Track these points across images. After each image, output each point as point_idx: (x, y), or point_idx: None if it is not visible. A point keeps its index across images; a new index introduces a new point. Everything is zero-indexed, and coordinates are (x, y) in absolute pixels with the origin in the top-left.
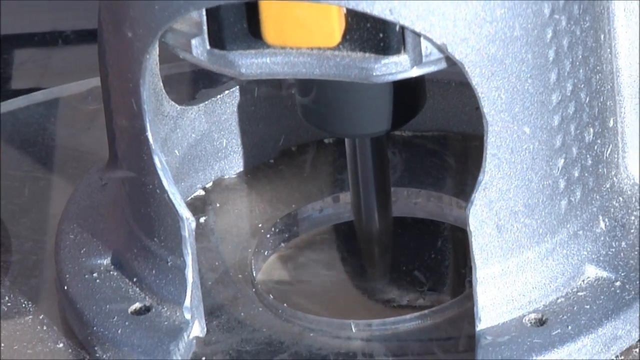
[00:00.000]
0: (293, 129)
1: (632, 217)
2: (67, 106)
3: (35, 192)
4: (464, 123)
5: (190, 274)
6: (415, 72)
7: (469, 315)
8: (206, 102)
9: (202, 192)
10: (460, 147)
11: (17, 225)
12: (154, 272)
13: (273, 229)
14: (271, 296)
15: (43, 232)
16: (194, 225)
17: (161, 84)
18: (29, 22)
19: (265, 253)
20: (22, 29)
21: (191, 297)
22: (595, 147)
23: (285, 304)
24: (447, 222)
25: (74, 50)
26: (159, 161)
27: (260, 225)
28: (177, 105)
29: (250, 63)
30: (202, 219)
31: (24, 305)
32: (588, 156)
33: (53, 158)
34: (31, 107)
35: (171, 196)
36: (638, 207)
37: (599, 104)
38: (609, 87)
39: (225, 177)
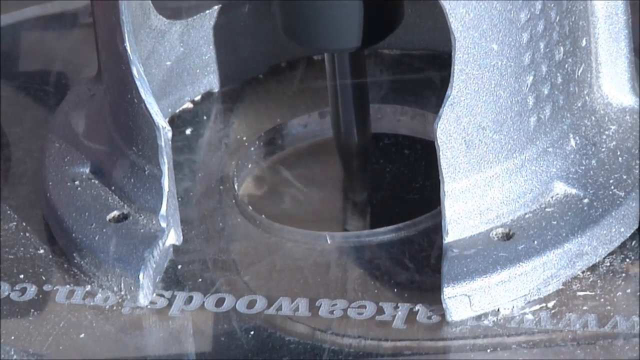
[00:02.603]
0: (282, 46)
1: (604, 136)
2: (65, 20)
3: (31, 102)
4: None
5: (166, 182)
6: None
7: (440, 229)
8: (194, 17)
9: (190, 105)
10: (447, 67)
11: (11, 135)
12: (132, 180)
13: (257, 142)
14: (250, 208)
15: (34, 141)
16: (170, 134)
17: None
18: None
19: (249, 166)
20: None
21: (167, 205)
22: (566, 66)
23: (264, 216)
24: (430, 139)
25: None
26: (137, 71)
27: (244, 138)
28: (164, 19)
29: None
30: (188, 131)
31: (9, 212)
32: (558, 74)
33: (49, 70)
34: (30, 21)
35: (148, 106)
36: (610, 127)
37: (570, 23)
38: (582, 7)
39: (213, 91)
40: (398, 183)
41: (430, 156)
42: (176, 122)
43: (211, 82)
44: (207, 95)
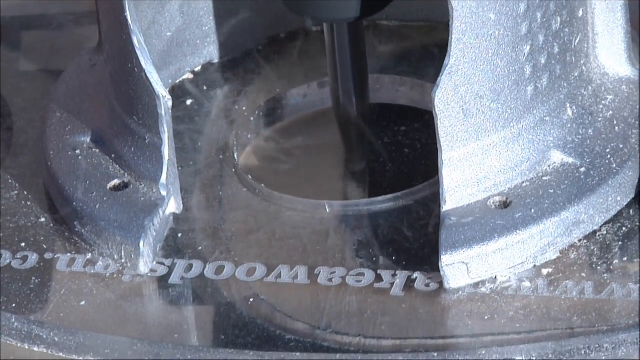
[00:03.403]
0: (282, 17)
1: (601, 106)
2: None
3: (33, 71)
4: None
5: (166, 151)
6: None
7: (439, 197)
8: None
9: (190, 76)
10: (446, 38)
11: (12, 105)
12: (132, 149)
13: (257, 112)
14: (250, 177)
15: (36, 111)
16: (170, 103)
17: None
18: None
19: (249, 136)
20: None
21: (167, 174)
22: (563, 36)
23: (263, 185)
24: (429, 109)
25: None
26: (137, 41)
27: (244, 108)
28: None
29: None
30: (188, 102)
31: (10, 181)
32: (555, 44)
33: (53, 40)
34: None
35: (148, 75)
36: (607, 96)
37: None
38: None
39: (213, 61)
40: (397, 152)
41: (428, 126)
42: (176, 92)
43: (211, 52)
44: (207, 66)
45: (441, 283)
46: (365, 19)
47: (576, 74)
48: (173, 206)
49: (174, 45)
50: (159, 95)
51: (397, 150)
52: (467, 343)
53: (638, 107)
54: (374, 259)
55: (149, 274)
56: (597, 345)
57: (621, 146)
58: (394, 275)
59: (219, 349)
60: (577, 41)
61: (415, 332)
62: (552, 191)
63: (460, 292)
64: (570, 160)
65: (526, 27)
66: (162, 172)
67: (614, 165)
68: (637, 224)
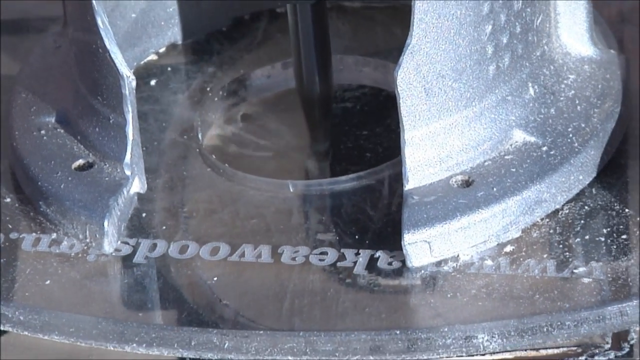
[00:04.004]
0: None
1: (562, 85)
2: None
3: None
4: None
5: (130, 131)
6: None
7: (401, 177)
8: None
9: (154, 57)
10: (408, 19)
11: None
12: (97, 129)
13: (221, 93)
14: (214, 157)
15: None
16: (134, 83)
17: None
18: None
19: (213, 116)
20: None
21: (131, 153)
22: (525, 15)
23: (227, 165)
24: (392, 90)
25: None
26: (102, 21)
27: (208, 89)
28: None
29: None
30: (152, 82)
31: None
32: (517, 24)
33: (20, 23)
34: None
35: (112, 55)
36: (569, 76)
37: None
38: None
39: (177, 43)
40: (359, 132)
41: (391, 105)
42: (141, 73)
43: (175, 34)
44: (172, 48)
45: (404, 262)
46: (328, 0)
47: (538, 54)
48: (137, 186)
49: (138, 26)
50: (123, 75)
51: (360, 130)
52: (430, 321)
53: (600, 86)
54: (337, 237)
55: (114, 253)
56: (559, 323)
57: (583, 125)
58: (357, 254)
59: (182, 327)
60: (538, 21)
61: (378, 310)
62: (514, 170)
63: (423, 271)
64: (532, 139)
65: (488, 6)
66: (126, 151)
67: (576, 144)
68: (599, 202)
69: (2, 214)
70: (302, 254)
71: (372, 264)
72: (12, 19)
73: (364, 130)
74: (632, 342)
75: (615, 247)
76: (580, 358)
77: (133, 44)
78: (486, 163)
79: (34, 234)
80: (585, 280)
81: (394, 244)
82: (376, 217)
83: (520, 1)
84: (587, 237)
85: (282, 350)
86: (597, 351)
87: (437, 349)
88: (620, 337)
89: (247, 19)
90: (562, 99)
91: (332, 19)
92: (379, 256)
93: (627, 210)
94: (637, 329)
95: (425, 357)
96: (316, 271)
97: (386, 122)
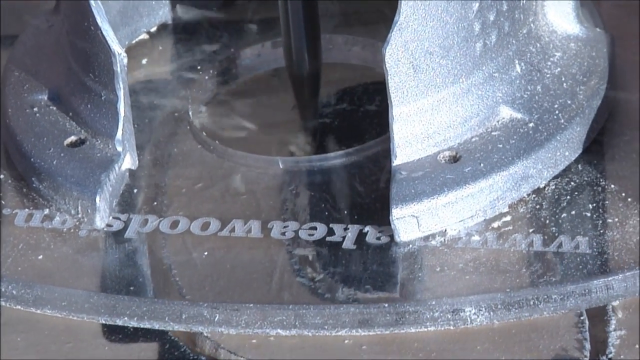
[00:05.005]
0: None
1: (549, 63)
2: None
3: None
4: None
5: (122, 107)
6: None
7: (389, 153)
8: None
9: (146, 36)
10: None
11: None
12: (89, 106)
13: (212, 71)
14: (204, 134)
15: None
16: (125, 60)
17: None
18: None
19: (204, 94)
20: None
21: (123, 130)
22: None
23: (217, 142)
24: (380, 68)
25: None
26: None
27: (199, 67)
28: None
29: None
30: (144, 61)
31: None
32: (504, 1)
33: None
34: None
35: (104, 32)
36: (555, 53)
37: None
38: None
39: (168, 22)
40: (348, 109)
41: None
42: (132, 52)
43: (166, 14)
44: (163, 27)
45: (392, 236)
46: None
47: (524, 31)
48: (129, 162)
49: (130, 6)
50: (115, 52)
51: (348, 107)
52: (418, 294)
53: (585, 64)
54: (326, 213)
55: (105, 229)
56: (545, 296)
57: (569, 102)
58: (346, 229)
59: (173, 301)
60: None
61: (366, 284)
62: (500, 146)
63: (411, 245)
64: (519, 115)
65: None
66: (117, 128)
67: (562, 121)
68: (585, 178)
69: None
70: (291, 229)
71: (360, 239)
72: None
73: (352, 106)
74: (610, 355)
75: (600, 222)
76: None
77: (125, 23)
78: (473, 139)
79: (26, 209)
80: (571, 254)
81: (382, 219)
82: (365, 193)
83: None
84: (573, 212)
85: (271, 323)
86: None
87: (425, 322)
88: (598, 350)
89: None
90: (548, 76)
91: None
92: (368, 231)
93: (612, 185)
94: (616, 342)
95: (413, 330)
96: (305, 246)
97: (375, 99)
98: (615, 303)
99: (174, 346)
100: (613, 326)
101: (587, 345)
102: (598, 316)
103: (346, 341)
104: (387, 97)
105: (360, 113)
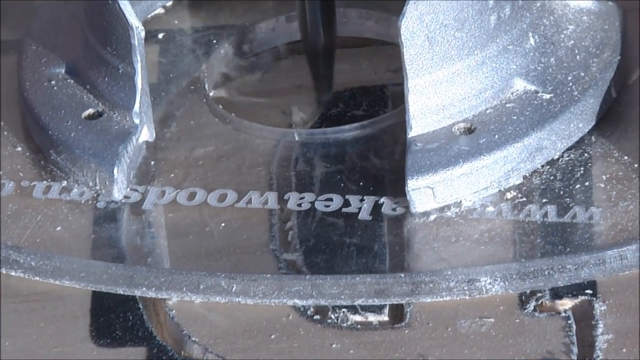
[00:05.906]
0: None
1: (562, 35)
2: None
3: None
4: None
5: (139, 80)
6: None
7: (405, 126)
8: None
9: (162, 11)
10: None
11: None
12: (106, 79)
13: (227, 45)
14: (220, 106)
15: (12, 45)
16: (143, 34)
17: None
18: None
19: (219, 68)
20: None
21: (140, 102)
22: None
23: (233, 114)
24: (394, 42)
25: None
26: None
27: (215, 41)
28: None
29: None
30: (160, 35)
31: None
32: None
33: None
34: None
35: (121, 6)
36: (568, 26)
37: None
38: None
39: None
40: (363, 82)
41: (394, 56)
42: (149, 26)
43: None
44: (178, 2)
45: (407, 207)
46: None
47: (538, 4)
48: (146, 134)
49: None
50: (132, 25)
51: (364, 80)
52: (433, 265)
53: (598, 36)
54: (342, 184)
55: (123, 200)
56: (560, 267)
57: (582, 74)
58: (362, 200)
59: (191, 272)
60: None
61: (383, 254)
62: (515, 118)
63: (426, 216)
64: (533, 87)
65: None
66: (135, 100)
67: (576, 93)
68: (599, 150)
69: (13, 162)
70: (307, 200)
71: (376, 210)
72: None
73: (367, 79)
74: (597, 359)
75: (614, 193)
76: None
77: None
78: (488, 111)
79: (44, 181)
80: (586, 225)
81: (397, 190)
82: (380, 164)
83: None
84: (587, 183)
85: (288, 293)
86: None
87: (441, 292)
88: (585, 354)
89: None
90: (561, 48)
91: None
92: (383, 202)
93: (625, 157)
94: (603, 346)
95: (428, 300)
96: (322, 217)
97: (389, 72)
98: (603, 307)
99: (162, 350)
100: (600, 330)
101: (575, 349)
102: (585, 320)
103: (333, 345)
104: (402, 71)
105: (375, 85)
